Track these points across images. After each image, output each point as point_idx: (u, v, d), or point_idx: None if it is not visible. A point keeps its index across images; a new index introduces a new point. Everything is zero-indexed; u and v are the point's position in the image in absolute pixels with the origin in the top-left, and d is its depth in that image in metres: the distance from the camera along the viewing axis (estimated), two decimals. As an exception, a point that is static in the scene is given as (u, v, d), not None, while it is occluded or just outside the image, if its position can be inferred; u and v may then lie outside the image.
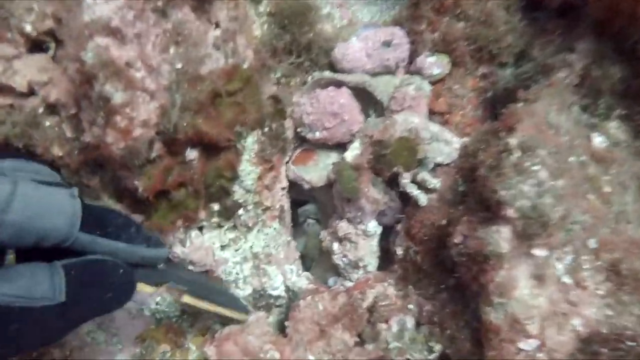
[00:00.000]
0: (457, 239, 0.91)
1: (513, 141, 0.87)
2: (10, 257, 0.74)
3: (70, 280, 0.70)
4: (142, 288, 0.86)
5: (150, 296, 1.10)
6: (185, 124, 0.88)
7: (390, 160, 1.03)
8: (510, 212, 0.83)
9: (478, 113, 1.17)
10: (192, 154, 0.95)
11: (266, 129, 1.07)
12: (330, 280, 1.17)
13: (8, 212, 0.63)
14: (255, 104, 1.01)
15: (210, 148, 0.96)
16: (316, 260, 1.23)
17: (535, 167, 0.83)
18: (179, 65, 0.87)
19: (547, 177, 0.83)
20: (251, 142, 1.04)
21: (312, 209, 1.26)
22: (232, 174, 1.01)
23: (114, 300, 0.78)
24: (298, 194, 1.24)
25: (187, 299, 0.93)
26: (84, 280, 0.72)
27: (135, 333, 1.14)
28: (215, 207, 1.04)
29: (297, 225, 1.27)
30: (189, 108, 0.88)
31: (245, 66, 0.99)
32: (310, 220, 1.25)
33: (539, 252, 0.84)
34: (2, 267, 0.71)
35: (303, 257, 1.24)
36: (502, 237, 0.84)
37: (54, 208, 0.69)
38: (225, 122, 0.95)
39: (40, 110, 0.87)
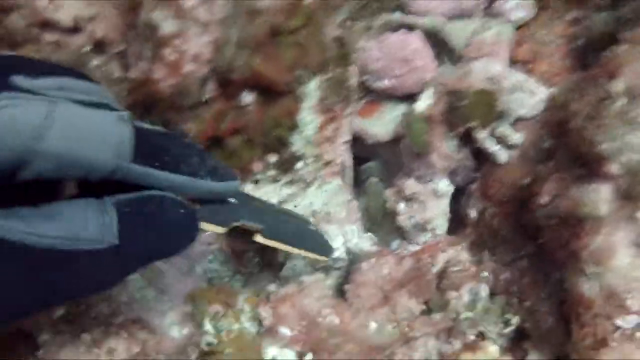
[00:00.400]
0: (543, 199, 0.80)
1: (618, 86, 0.74)
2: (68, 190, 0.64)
3: (123, 220, 0.59)
4: (209, 228, 0.74)
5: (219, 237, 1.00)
6: (241, 63, 0.80)
7: (465, 114, 0.92)
8: (612, 168, 0.71)
9: (567, 62, 1.03)
10: (247, 98, 0.87)
11: (329, 75, 0.97)
12: (394, 244, 1.08)
13: (43, 140, 0.52)
14: (318, 45, 0.91)
15: (267, 93, 0.88)
16: (378, 222, 1.14)
17: (645, 117, 0.71)
18: (234, -3, 0.78)
19: (661, 127, 0.70)
20: (313, 88, 0.94)
21: (376, 167, 1.16)
22: (290, 123, 0.92)
23: (173, 244, 0.67)
24: (360, 150, 1.14)
25: (259, 239, 0.81)
26: (138, 220, 0.61)
27: (185, 291, 1.09)
28: (272, 159, 0.96)
29: (358, 184, 1.18)
30: (246, 45, 0.80)
31: (306, 2, 0.89)
32: (372, 179, 1.15)
33: (646, 216, 0.72)
34: (47, 204, 0.59)
35: (364, 219, 1.15)
36: (601, 198, 0.72)
37: (97, 135, 0.56)
38: (285, 63, 0.86)
39: (87, 48, 0.81)
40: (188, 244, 0.68)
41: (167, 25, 0.68)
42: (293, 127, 0.93)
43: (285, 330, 0.80)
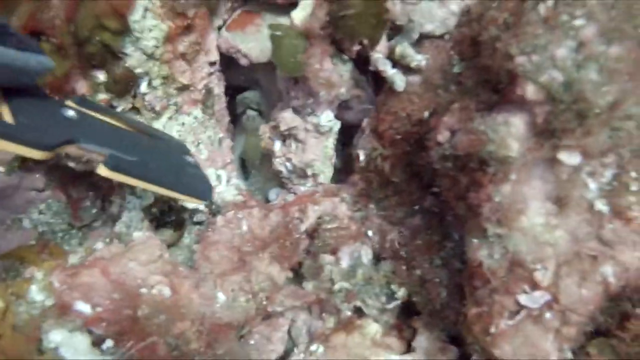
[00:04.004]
0: (442, 136, 0.60)
1: (543, -17, 0.54)
2: None
3: None
4: (21, 151, 0.52)
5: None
6: None
7: (352, 27, 0.70)
8: (529, 91, 0.51)
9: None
10: (48, -15, 0.62)
11: (181, -32, 0.73)
12: (272, 193, 0.87)
13: None
14: None
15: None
16: (256, 165, 0.92)
17: (577, 22, 0.51)
18: None
19: (595, 36, 0.51)
20: (155, -17, 0.70)
21: (254, 97, 0.94)
22: (118, 25, 0.68)
23: None
24: (236, 77, 0.92)
25: (103, 171, 0.57)
26: None
27: (7, 249, 0.86)
28: (100, 76, 0.72)
29: (236, 119, 0.96)
30: None
31: None
32: (251, 112, 0.93)
33: (567, 158, 0.53)
34: None
35: (243, 162, 0.93)
36: (511, 132, 0.53)
37: None
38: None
39: None
40: None
41: None
42: (122, 30, 0.69)
43: (83, 307, 0.58)
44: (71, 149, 0.58)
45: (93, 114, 0.64)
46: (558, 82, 0.50)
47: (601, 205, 0.55)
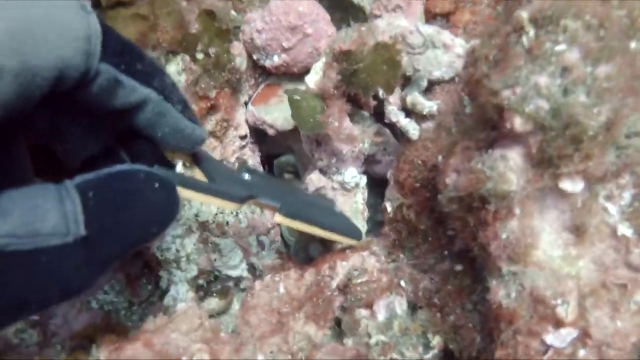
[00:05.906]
0: (448, 179, 0.60)
1: (523, 15, 0.54)
2: None
3: (89, 205, 0.47)
4: (222, 204, 0.64)
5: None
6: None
7: (364, 80, 0.73)
8: (517, 123, 0.51)
9: (498, 10, 0.84)
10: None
11: (200, 55, 0.79)
12: (313, 250, 0.88)
13: None
14: (171, 17, 0.74)
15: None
16: (298, 227, 0.95)
17: (559, 47, 0.51)
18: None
19: (579, 60, 0.50)
20: (175, 72, 0.77)
21: (290, 161, 0.98)
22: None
23: (152, 225, 0.54)
24: (272, 145, 0.96)
25: (279, 218, 0.71)
26: (107, 203, 0.49)
27: (78, 330, 0.93)
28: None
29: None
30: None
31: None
32: (287, 175, 0.97)
33: (569, 186, 0.51)
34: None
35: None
36: (509, 166, 0.52)
37: (57, 27, 0.44)
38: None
39: None
40: (169, 223, 0.55)
41: None
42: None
43: (124, 381, 0.61)
44: (252, 203, 0.70)
45: (259, 176, 0.74)
46: (544, 110, 0.49)
47: (625, 229, 0.53)
